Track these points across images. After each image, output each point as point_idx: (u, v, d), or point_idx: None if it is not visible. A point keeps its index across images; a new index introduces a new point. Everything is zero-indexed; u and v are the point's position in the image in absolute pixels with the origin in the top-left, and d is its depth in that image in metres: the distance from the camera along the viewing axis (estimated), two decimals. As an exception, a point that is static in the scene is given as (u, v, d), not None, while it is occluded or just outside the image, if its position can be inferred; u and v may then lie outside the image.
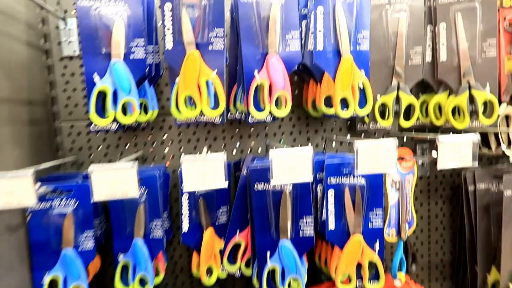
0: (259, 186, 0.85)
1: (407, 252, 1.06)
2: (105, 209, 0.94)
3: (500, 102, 0.97)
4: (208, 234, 0.90)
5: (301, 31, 0.90)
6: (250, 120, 0.83)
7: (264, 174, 0.85)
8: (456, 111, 0.97)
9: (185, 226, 0.91)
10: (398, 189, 0.98)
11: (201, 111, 0.77)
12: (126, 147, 1.02)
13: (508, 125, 1.03)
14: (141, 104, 0.89)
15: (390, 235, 0.98)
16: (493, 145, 1.04)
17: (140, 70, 0.80)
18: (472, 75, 0.92)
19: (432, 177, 1.19)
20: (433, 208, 1.21)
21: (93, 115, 0.77)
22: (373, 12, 0.90)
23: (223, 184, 0.71)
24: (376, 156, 0.75)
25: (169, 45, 0.76)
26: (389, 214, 0.96)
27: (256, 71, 0.80)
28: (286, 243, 0.85)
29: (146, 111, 0.90)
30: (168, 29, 0.76)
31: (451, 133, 0.89)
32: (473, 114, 0.94)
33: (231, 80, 0.92)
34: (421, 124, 1.04)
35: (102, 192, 0.70)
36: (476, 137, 0.77)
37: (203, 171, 0.70)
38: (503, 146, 0.97)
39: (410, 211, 1.01)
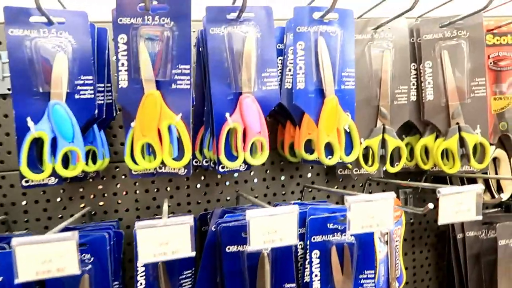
0: (232, 248, 0.72)
1: (397, 313, 0.94)
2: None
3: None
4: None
5: (277, 68, 0.80)
6: (220, 169, 0.71)
7: (237, 233, 0.71)
8: (444, 154, 0.89)
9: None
10: (387, 242, 0.87)
11: (162, 161, 0.64)
12: (72, 200, 0.86)
13: (496, 168, 0.96)
14: (88, 152, 0.75)
15: (379, 296, 0.86)
16: (481, 189, 0.96)
17: (87, 112, 0.66)
18: (462, 116, 0.85)
19: (416, 223, 1.10)
20: (418, 258, 1.11)
21: (24, 168, 0.62)
22: (356, 47, 0.82)
23: (189, 253, 0.57)
24: (371, 212, 0.64)
25: (123, 83, 0.63)
26: (378, 273, 0.85)
27: (227, 114, 0.68)
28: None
29: (94, 160, 0.75)
30: (123, 64, 0.63)
31: (431, 177, 0.80)
32: (463, 157, 0.86)
33: (197, 122, 0.80)
34: (405, 167, 0.95)
35: (30, 271, 0.54)
36: (480, 188, 0.68)
37: (164, 239, 0.56)
38: (504, 196, 0.89)
39: (399, 266, 0.90)
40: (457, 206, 0.67)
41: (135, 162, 0.65)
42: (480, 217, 0.68)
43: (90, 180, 0.86)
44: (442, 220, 0.67)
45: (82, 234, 0.69)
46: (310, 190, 0.99)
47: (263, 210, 0.59)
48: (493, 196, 0.94)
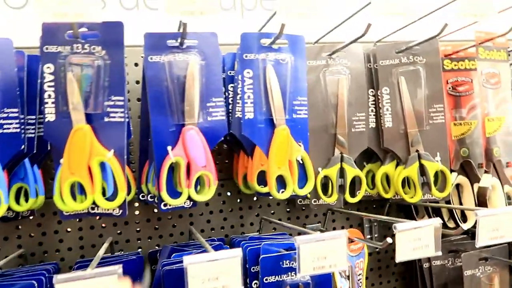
0: None
1: None
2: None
3: (449, 171, 0.88)
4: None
5: (228, 95, 0.76)
6: (162, 207, 0.65)
7: (181, 277, 0.66)
8: (405, 182, 0.86)
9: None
10: (348, 277, 0.83)
11: (94, 202, 0.58)
12: (7, 240, 0.78)
13: (459, 195, 0.94)
14: (20, 189, 0.68)
15: (342, 335, 0.81)
16: (445, 216, 0.93)
17: (13, 147, 0.60)
18: (421, 143, 0.83)
19: (382, 252, 1.06)
20: (386, 287, 1.07)
21: None
22: (310, 74, 0.79)
23: None
24: (323, 252, 0.59)
25: (50, 116, 0.58)
26: (340, 310, 0.80)
27: (169, 147, 0.63)
28: None
29: (27, 198, 0.69)
30: (49, 96, 0.58)
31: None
32: (424, 186, 0.83)
33: (143, 155, 0.75)
34: (367, 195, 0.92)
35: None
36: (438, 222, 0.65)
37: None
38: (466, 225, 0.86)
39: (363, 301, 0.86)
40: (415, 242, 0.63)
41: (64, 202, 0.59)
42: (439, 253, 0.65)
43: (30, 217, 0.79)
44: (400, 257, 0.63)
45: (6, 284, 0.62)
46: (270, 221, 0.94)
47: (202, 256, 0.53)
48: (457, 224, 0.91)
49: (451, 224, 0.93)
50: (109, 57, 0.59)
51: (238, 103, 0.75)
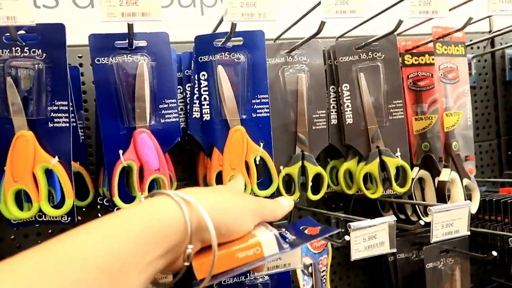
0: None
1: None
2: None
3: (412, 165, 0.89)
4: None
5: (186, 95, 0.75)
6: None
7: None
8: (368, 178, 0.87)
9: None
10: (312, 275, 0.83)
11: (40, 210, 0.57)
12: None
13: (422, 188, 0.95)
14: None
15: (306, 331, 0.82)
16: (409, 211, 0.94)
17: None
18: (381, 139, 0.83)
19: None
20: (354, 281, 1.08)
21: None
22: (269, 72, 0.78)
23: None
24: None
25: (-10, 123, 0.56)
26: (303, 307, 0.81)
27: (120, 151, 0.62)
28: None
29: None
30: (-11, 101, 0.56)
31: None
32: (386, 181, 0.84)
33: (100, 158, 0.73)
34: (332, 191, 0.92)
35: None
36: (392, 219, 0.65)
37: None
38: (426, 219, 0.87)
39: (327, 297, 0.86)
40: (370, 240, 0.64)
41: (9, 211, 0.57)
42: (394, 250, 0.65)
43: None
44: (355, 255, 0.63)
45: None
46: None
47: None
48: (419, 218, 0.92)
49: (414, 218, 0.94)
50: (50, 60, 0.57)
51: (195, 103, 0.74)
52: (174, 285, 0.42)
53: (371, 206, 1.03)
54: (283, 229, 0.52)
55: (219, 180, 0.74)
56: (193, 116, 0.74)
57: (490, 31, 1.14)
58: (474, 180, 0.89)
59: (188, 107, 0.74)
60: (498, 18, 1.13)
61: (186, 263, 0.39)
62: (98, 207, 0.83)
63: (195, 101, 0.73)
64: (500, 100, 1.16)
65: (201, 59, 0.68)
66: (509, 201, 0.90)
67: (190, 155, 0.88)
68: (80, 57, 0.79)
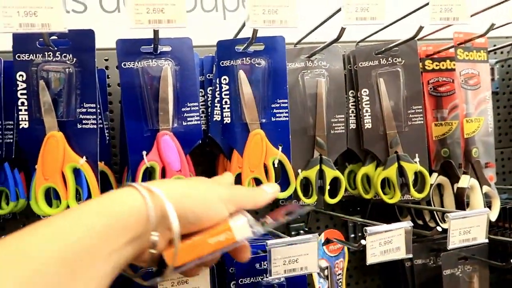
0: None
1: None
2: None
3: (431, 171, 0.88)
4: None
5: (207, 98, 0.77)
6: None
7: None
8: (386, 183, 0.87)
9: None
10: (327, 277, 0.84)
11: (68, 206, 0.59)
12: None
13: (441, 194, 0.94)
14: (1, 193, 0.70)
15: (321, 333, 0.83)
16: (427, 217, 0.94)
17: (-10, 153, 0.61)
18: (400, 145, 0.83)
19: (367, 250, 1.07)
20: (370, 285, 1.08)
21: None
22: (288, 76, 0.79)
23: None
24: (295, 255, 0.61)
25: (23, 123, 0.59)
26: (318, 309, 0.82)
27: (144, 152, 0.64)
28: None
29: (8, 202, 0.70)
30: (23, 103, 0.59)
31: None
32: (404, 187, 0.84)
33: (123, 159, 0.76)
34: (350, 195, 0.93)
35: None
36: (409, 225, 0.66)
37: None
38: (444, 226, 0.86)
39: (343, 300, 0.87)
40: (386, 245, 0.64)
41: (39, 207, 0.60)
42: (410, 255, 0.66)
43: (13, 220, 0.80)
44: (370, 260, 0.64)
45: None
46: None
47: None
48: (437, 224, 0.92)
49: (432, 224, 0.94)
50: (80, 64, 0.59)
51: (216, 106, 0.75)
52: (154, 274, 0.44)
53: (388, 211, 1.03)
54: (268, 217, 0.52)
55: (238, 182, 0.75)
56: (214, 119, 0.76)
57: (514, 36, 1.12)
58: (495, 187, 0.88)
59: (209, 110, 0.76)
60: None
61: (152, 251, 0.41)
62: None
63: (216, 104, 0.75)
64: (523, 106, 1.15)
65: (222, 63, 0.70)
66: (530, 209, 0.89)
67: (210, 157, 0.90)
68: (106, 60, 0.82)
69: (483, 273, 0.92)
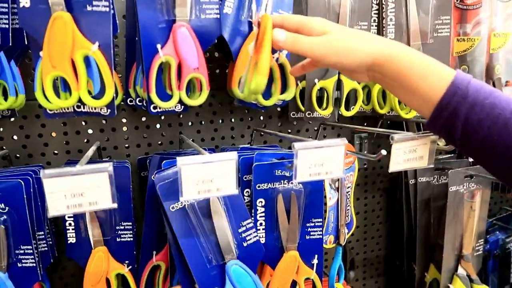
0: (175, 205, 0.64)
1: (345, 258, 0.94)
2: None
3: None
4: (97, 256, 0.69)
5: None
6: (152, 109, 0.62)
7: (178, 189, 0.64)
8: (401, 99, 0.84)
9: (72, 239, 0.69)
10: (338, 189, 0.84)
11: (79, 99, 0.54)
12: (-12, 142, 0.75)
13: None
14: (-3, 87, 0.64)
15: (327, 242, 0.84)
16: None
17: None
18: (423, 57, 0.79)
19: (370, 168, 1.07)
20: (370, 202, 1.10)
21: None
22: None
23: (110, 204, 0.50)
24: (320, 159, 0.58)
25: (24, 2, 0.51)
26: (327, 219, 0.82)
27: (159, 46, 0.59)
28: (236, 265, 0.66)
29: (6, 96, 0.64)
30: (22, -22, 0.51)
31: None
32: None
33: (131, 55, 0.69)
34: (361, 111, 0.90)
35: None
36: (434, 136, 0.64)
37: (77, 190, 0.48)
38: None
39: (350, 212, 0.88)
40: (410, 153, 0.63)
41: (47, 99, 0.55)
42: (432, 165, 0.64)
43: (8, 119, 0.75)
44: (394, 167, 0.62)
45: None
46: (261, 134, 0.93)
47: (196, 157, 0.52)
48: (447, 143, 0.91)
49: (441, 143, 0.93)
50: None
51: None
52: None
53: (396, 129, 1.02)
54: None
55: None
56: (224, 11, 0.69)
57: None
58: None
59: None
60: None
61: None
62: (124, 110, 0.82)
63: None
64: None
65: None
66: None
67: (219, 64, 0.85)
68: None
69: (485, 191, 0.94)
